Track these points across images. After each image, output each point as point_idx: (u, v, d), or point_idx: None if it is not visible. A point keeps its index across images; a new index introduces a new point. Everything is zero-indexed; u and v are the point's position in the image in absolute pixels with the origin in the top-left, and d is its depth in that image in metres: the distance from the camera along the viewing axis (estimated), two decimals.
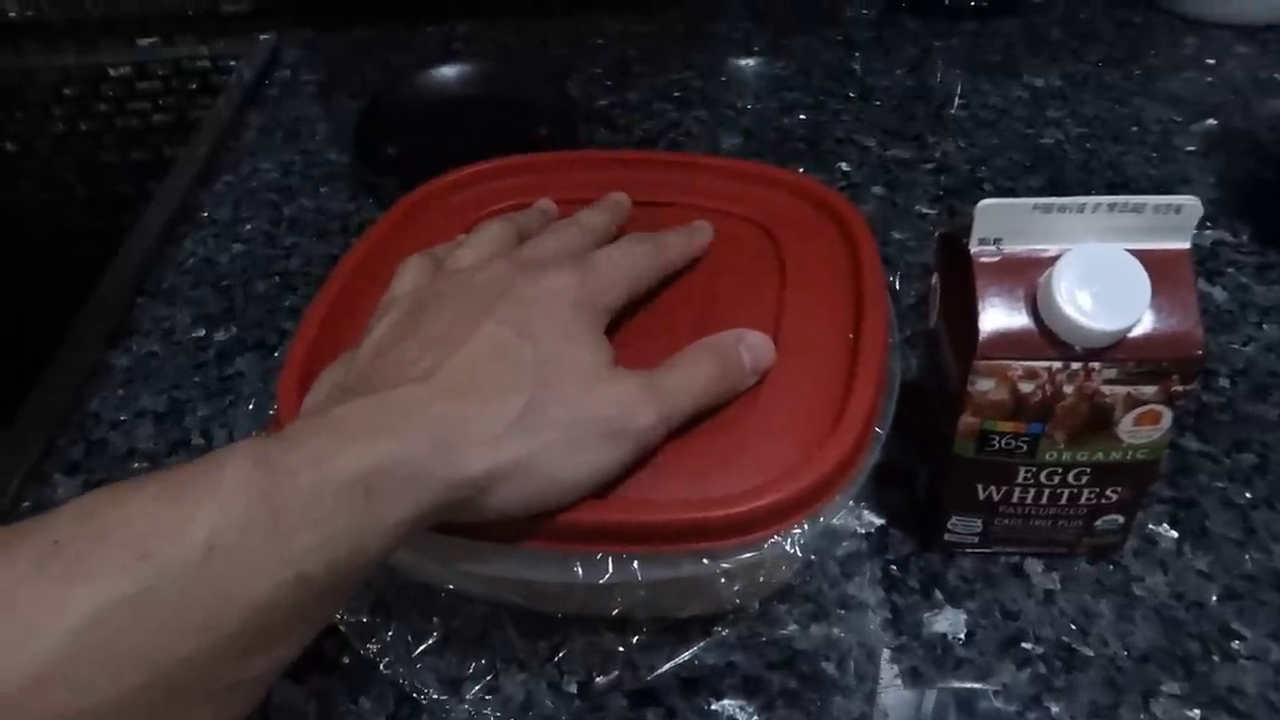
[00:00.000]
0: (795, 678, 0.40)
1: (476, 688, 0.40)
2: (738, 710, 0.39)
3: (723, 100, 0.78)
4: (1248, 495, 0.46)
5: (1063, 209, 0.36)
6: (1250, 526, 0.45)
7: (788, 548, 0.34)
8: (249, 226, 0.67)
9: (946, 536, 0.43)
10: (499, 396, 0.32)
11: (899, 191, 0.67)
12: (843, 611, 0.42)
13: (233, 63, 0.86)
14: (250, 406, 0.53)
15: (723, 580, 0.35)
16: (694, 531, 0.34)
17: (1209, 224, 0.63)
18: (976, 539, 0.43)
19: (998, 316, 0.37)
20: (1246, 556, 0.44)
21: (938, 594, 0.43)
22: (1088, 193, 0.68)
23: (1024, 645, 0.41)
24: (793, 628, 0.42)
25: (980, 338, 0.37)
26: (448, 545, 0.34)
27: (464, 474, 0.30)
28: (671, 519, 0.34)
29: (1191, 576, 0.43)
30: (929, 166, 0.69)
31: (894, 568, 0.44)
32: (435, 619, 0.41)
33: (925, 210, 0.65)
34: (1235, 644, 0.41)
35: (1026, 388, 0.37)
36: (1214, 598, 0.42)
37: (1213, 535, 0.45)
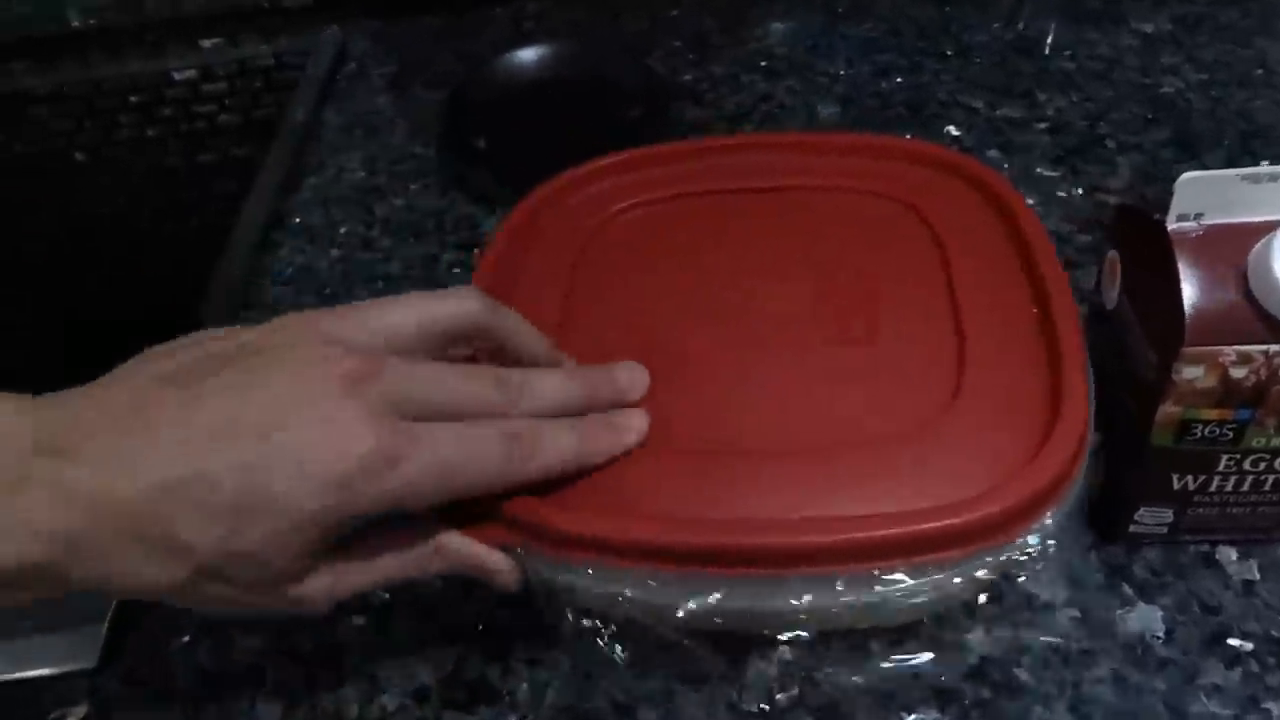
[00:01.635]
0: (988, 686, 0.38)
1: (654, 715, 0.39)
2: None
3: (812, 67, 0.75)
4: None
5: (1273, 178, 0.33)
6: None
7: (1020, 555, 0.31)
8: (343, 230, 0.65)
9: (1132, 528, 0.41)
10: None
11: (1015, 154, 0.64)
12: (1029, 613, 0.40)
13: (298, 59, 0.83)
14: None
15: (927, 595, 0.33)
16: (928, 542, 0.31)
17: None
18: (1166, 530, 0.41)
19: (1204, 298, 0.34)
20: None
21: (1126, 589, 0.41)
22: (1220, 143, 0.64)
23: (1230, 642, 0.39)
24: (979, 633, 0.40)
25: (1187, 323, 0.34)
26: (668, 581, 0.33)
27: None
28: (912, 529, 0.32)
29: None
30: (1043, 125, 0.66)
31: (1075, 562, 0.42)
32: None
33: (1048, 173, 0.62)
34: None
35: (1238, 373, 0.35)
36: None
37: None
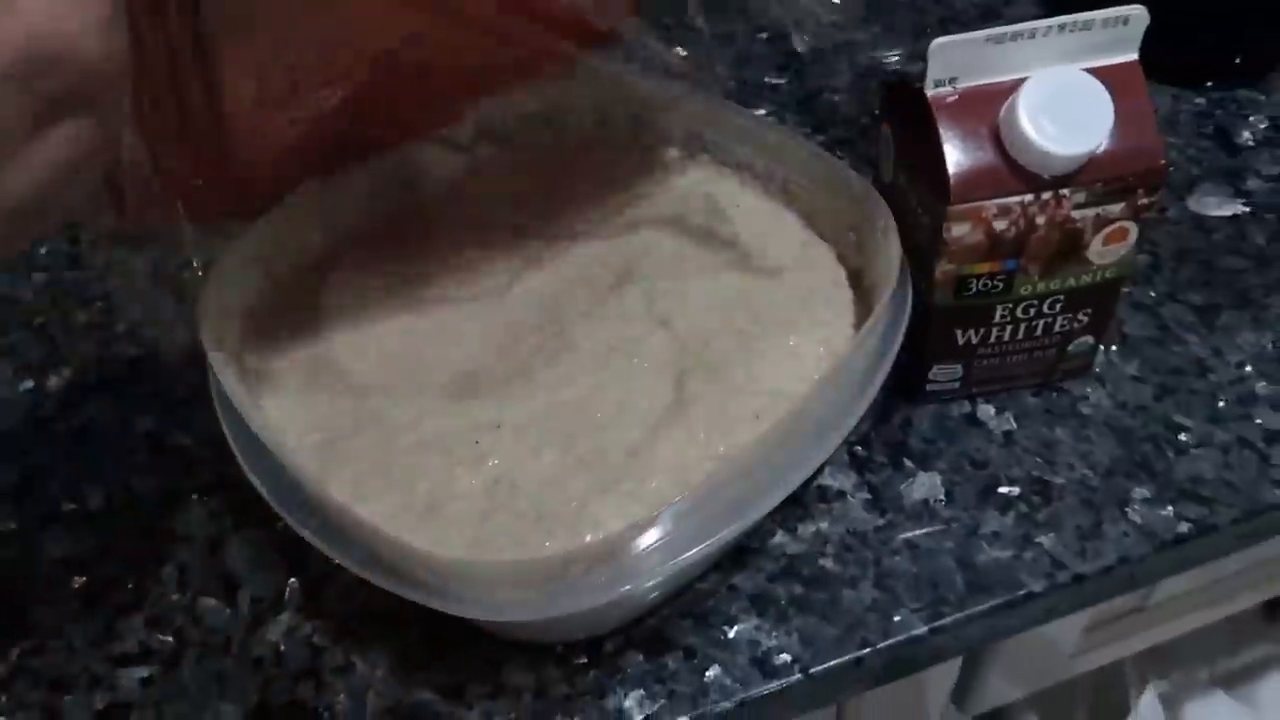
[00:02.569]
0: (800, 583, 0.39)
1: (483, 689, 0.37)
2: (754, 631, 0.38)
3: None
4: (1151, 294, 0.48)
5: (1014, 37, 0.35)
6: (1162, 323, 0.47)
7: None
8: None
9: (929, 387, 0.43)
10: None
11: (743, 67, 0.65)
12: (824, 505, 0.42)
13: None
14: None
15: None
16: None
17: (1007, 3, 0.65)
18: (958, 385, 0.43)
19: (965, 158, 0.36)
20: (1166, 352, 0.46)
21: (907, 463, 0.43)
22: (924, 30, 0.68)
23: (1000, 490, 0.42)
24: (781, 535, 0.41)
25: (951, 183, 0.36)
26: None
27: None
28: None
29: (1127, 384, 0.45)
30: (764, 36, 0.67)
31: (859, 448, 0.44)
32: None
33: (775, 81, 0.63)
34: (1182, 436, 0.43)
35: (1000, 225, 0.37)
36: (1152, 398, 0.44)
37: (1132, 339, 0.46)
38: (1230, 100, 0.58)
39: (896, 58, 0.64)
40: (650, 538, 0.31)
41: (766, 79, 0.64)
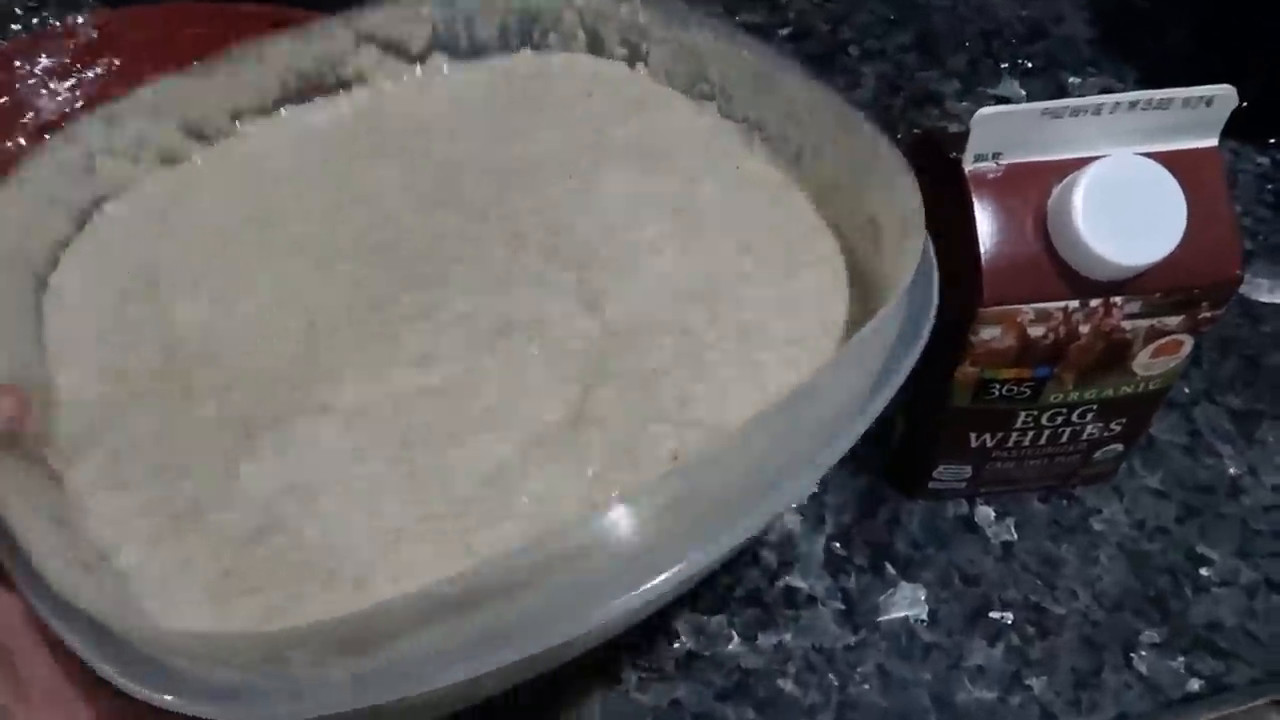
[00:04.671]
0: (752, 706, 0.35)
1: None
2: None
3: None
4: (1185, 391, 0.43)
5: (1076, 112, 0.29)
6: (1194, 428, 0.42)
7: None
8: None
9: (931, 485, 0.38)
10: None
11: None
12: (790, 611, 0.37)
13: None
14: None
15: None
16: None
17: (1091, 68, 0.58)
18: (965, 485, 0.38)
19: (1002, 250, 0.30)
20: (1196, 464, 0.41)
21: (890, 569, 0.38)
22: (962, 44, 0.62)
23: (992, 615, 0.37)
24: (738, 643, 0.36)
25: (985, 281, 0.30)
26: None
27: None
28: None
29: (1147, 499, 0.40)
30: (786, 32, 0.61)
31: (837, 545, 0.38)
32: None
33: None
34: (1204, 571, 0.38)
35: (1036, 332, 0.31)
36: (1174, 519, 0.39)
37: (1159, 444, 0.41)
38: None
39: (931, 75, 0.57)
40: (429, 637, 0.20)
41: None
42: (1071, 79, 0.57)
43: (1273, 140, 0.52)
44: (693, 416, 0.28)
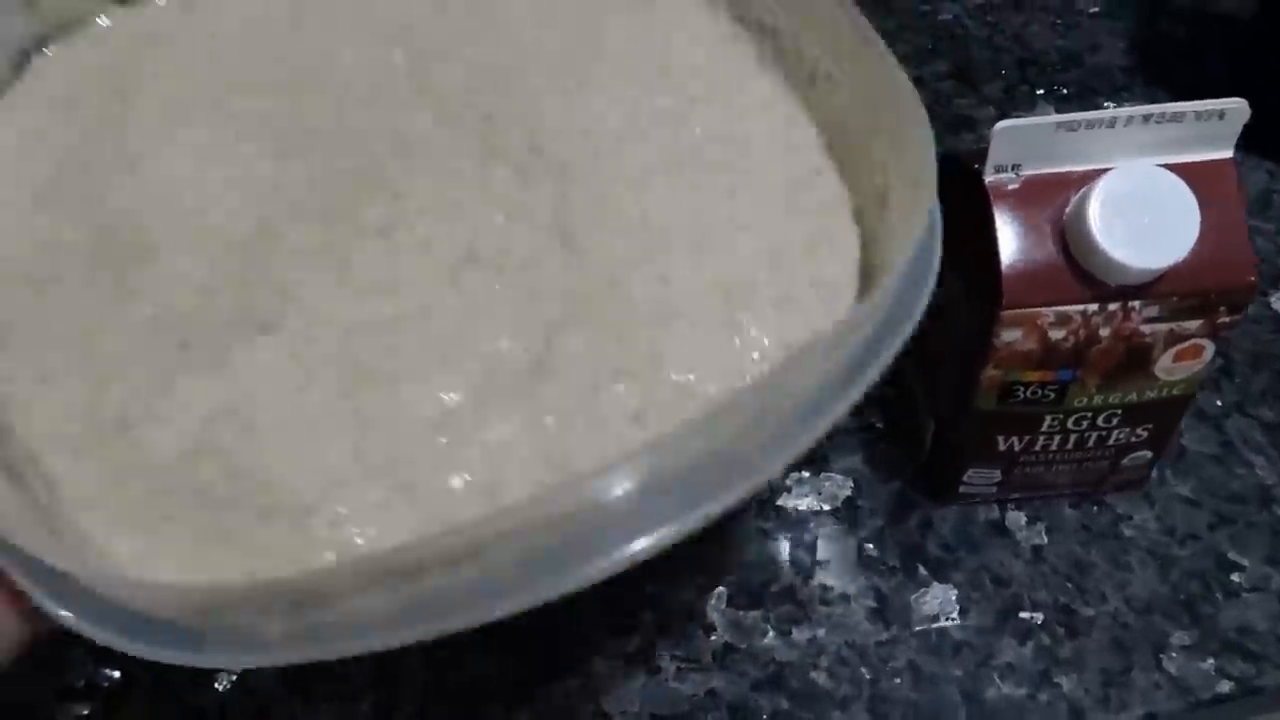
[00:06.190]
0: (786, 696, 0.36)
1: None
2: None
3: None
4: (1217, 403, 0.43)
5: (1091, 125, 0.31)
6: (1226, 439, 0.42)
7: None
8: None
9: (962, 489, 0.39)
10: None
11: None
12: (824, 608, 0.38)
13: None
14: None
15: None
16: None
17: (1125, 93, 0.59)
18: (995, 489, 0.39)
19: (1022, 257, 0.32)
20: (1228, 474, 0.41)
21: (921, 570, 0.39)
22: (998, 72, 0.63)
23: (1022, 615, 0.38)
24: (773, 637, 0.37)
25: (1005, 285, 0.32)
26: None
27: None
28: None
29: (1178, 507, 0.40)
30: None
31: (870, 546, 0.40)
32: None
33: None
34: (1235, 577, 0.38)
35: (1057, 334, 0.33)
36: (1205, 526, 0.40)
37: (1190, 455, 0.42)
38: None
39: (968, 102, 0.59)
40: (373, 601, 0.19)
41: None
42: (1106, 104, 0.58)
43: None
44: (662, 376, 0.26)
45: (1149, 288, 0.32)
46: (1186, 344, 0.33)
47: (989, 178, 0.32)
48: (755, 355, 0.26)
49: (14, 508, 0.22)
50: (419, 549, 0.19)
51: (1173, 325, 0.33)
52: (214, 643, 0.20)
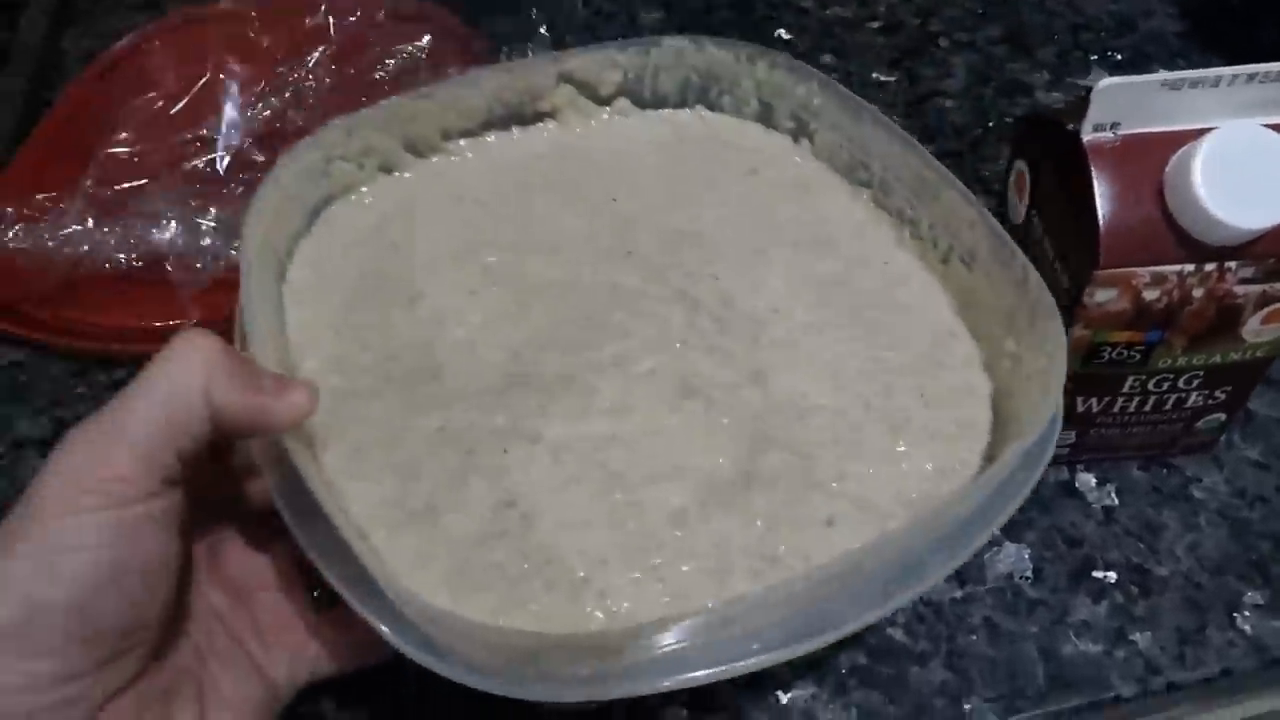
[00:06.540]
0: (864, 652, 0.36)
1: None
2: (809, 701, 0.35)
3: None
4: None
5: (1195, 84, 0.31)
6: None
7: None
8: None
9: None
10: None
11: (850, 58, 0.60)
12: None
13: None
14: None
15: None
16: None
17: (1181, 60, 0.59)
18: (1068, 450, 0.39)
19: (1119, 216, 0.32)
20: None
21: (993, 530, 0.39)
22: (1051, 37, 0.63)
23: (1095, 574, 0.38)
24: None
25: (1101, 244, 0.32)
26: None
27: None
28: None
29: (1248, 470, 0.40)
30: (875, 25, 0.62)
31: None
32: None
33: (884, 78, 0.58)
34: None
35: (1151, 295, 0.33)
36: (1275, 489, 0.40)
37: (1259, 419, 0.42)
38: None
39: (1021, 67, 0.59)
40: (664, 641, 0.25)
41: (875, 74, 0.59)
42: (1161, 71, 0.58)
43: None
44: (845, 489, 0.32)
45: (1246, 248, 0.32)
46: (1277, 305, 0.33)
47: (1087, 136, 0.32)
48: (913, 481, 0.32)
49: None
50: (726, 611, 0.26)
51: (1266, 287, 0.33)
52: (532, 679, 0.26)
